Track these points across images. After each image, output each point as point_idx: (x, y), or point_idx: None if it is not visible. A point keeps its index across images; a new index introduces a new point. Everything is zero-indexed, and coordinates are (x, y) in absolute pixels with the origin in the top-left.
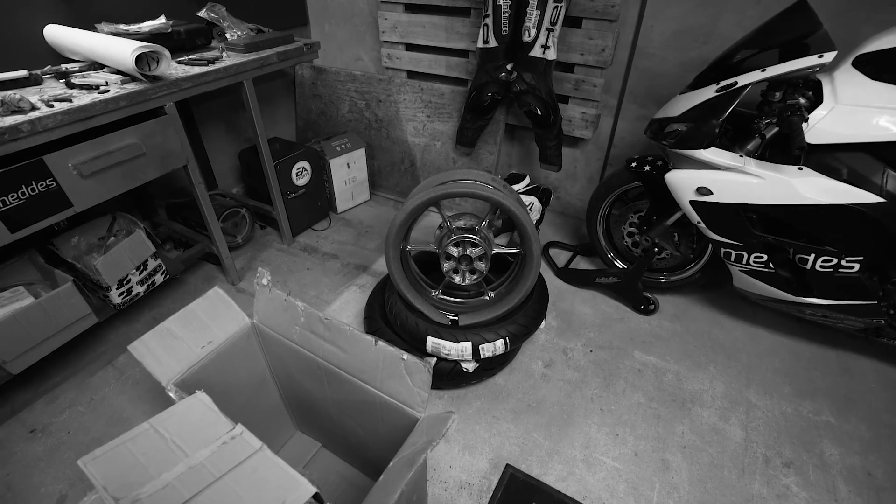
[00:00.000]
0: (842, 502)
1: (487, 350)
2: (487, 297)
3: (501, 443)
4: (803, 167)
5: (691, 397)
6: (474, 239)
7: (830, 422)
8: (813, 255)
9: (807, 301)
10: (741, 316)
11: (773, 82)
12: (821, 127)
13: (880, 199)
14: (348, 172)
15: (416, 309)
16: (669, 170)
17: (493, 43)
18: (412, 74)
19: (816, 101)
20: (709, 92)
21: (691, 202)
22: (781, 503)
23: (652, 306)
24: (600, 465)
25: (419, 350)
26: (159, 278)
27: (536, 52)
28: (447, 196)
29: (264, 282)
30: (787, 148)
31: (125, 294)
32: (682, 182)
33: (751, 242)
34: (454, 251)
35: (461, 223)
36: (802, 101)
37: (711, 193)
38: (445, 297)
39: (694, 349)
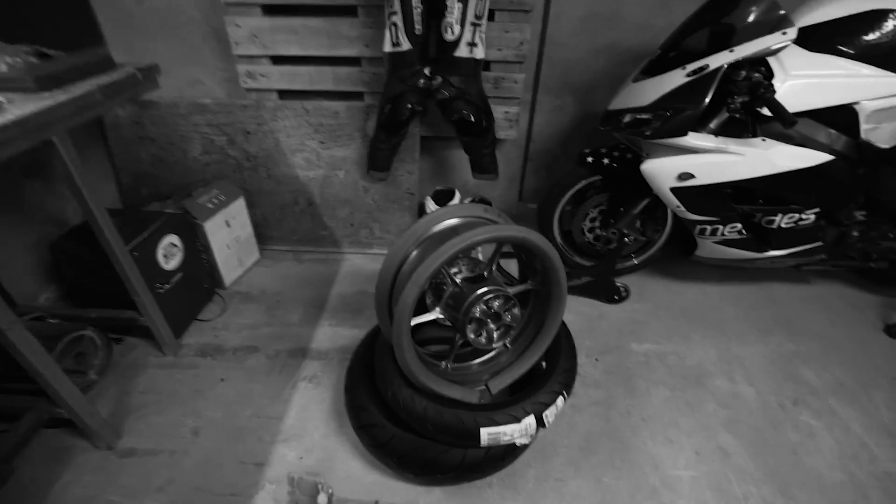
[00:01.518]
0: (841, 416)
1: (551, 414)
2: (505, 348)
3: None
4: (766, 139)
5: (699, 372)
6: (504, 291)
7: (794, 349)
8: (780, 215)
9: (768, 255)
10: (687, 278)
11: (734, 62)
12: (779, 99)
13: (831, 157)
14: (229, 233)
15: (449, 400)
16: (642, 160)
17: (405, 45)
18: (287, 94)
19: (768, 76)
20: (677, 77)
21: (672, 189)
22: (812, 441)
23: (624, 293)
24: (678, 480)
25: (461, 446)
26: None
27: (462, 51)
28: (473, 245)
29: (322, 501)
30: (746, 123)
31: None
32: (662, 171)
33: (728, 216)
34: (478, 311)
35: (465, 273)
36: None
37: (693, 177)
38: (458, 365)
39: (673, 323)
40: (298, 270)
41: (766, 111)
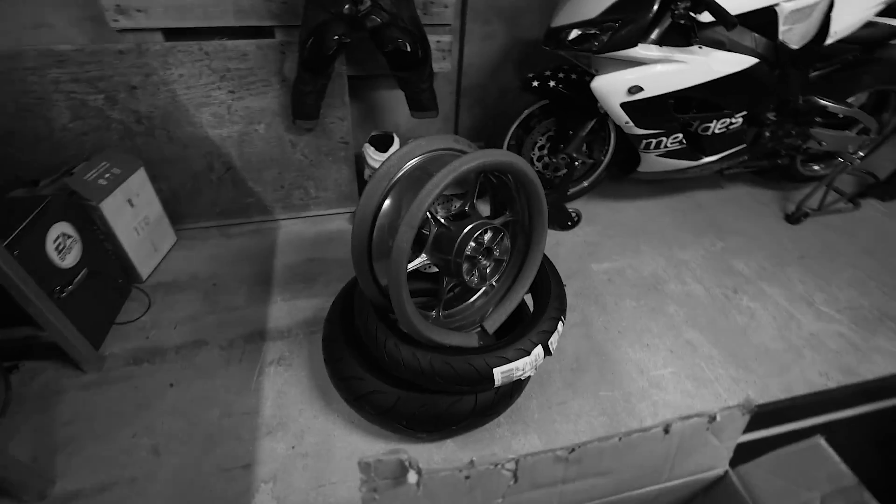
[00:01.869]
0: (770, 295)
1: (554, 341)
2: (491, 287)
3: (589, 421)
4: (702, 46)
5: (654, 280)
6: (492, 223)
7: (724, 245)
8: (715, 121)
9: (702, 162)
10: (624, 197)
11: None
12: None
13: (756, 60)
14: (134, 214)
15: (454, 349)
16: (591, 77)
17: None
18: (177, 34)
19: None
20: None
21: (622, 104)
22: (755, 321)
23: (577, 218)
24: (662, 378)
25: (473, 392)
26: None
27: None
28: (463, 175)
29: (412, 479)
30: (685, 31)
31: None
32: (613, 86)
33: (671, 126)
34: (470, 248)
35: (448, 208)
36: None
37: (643, 90)
38: (448, 312)
39: (622, 240)
40: (230, 247)
41: (706, 17)
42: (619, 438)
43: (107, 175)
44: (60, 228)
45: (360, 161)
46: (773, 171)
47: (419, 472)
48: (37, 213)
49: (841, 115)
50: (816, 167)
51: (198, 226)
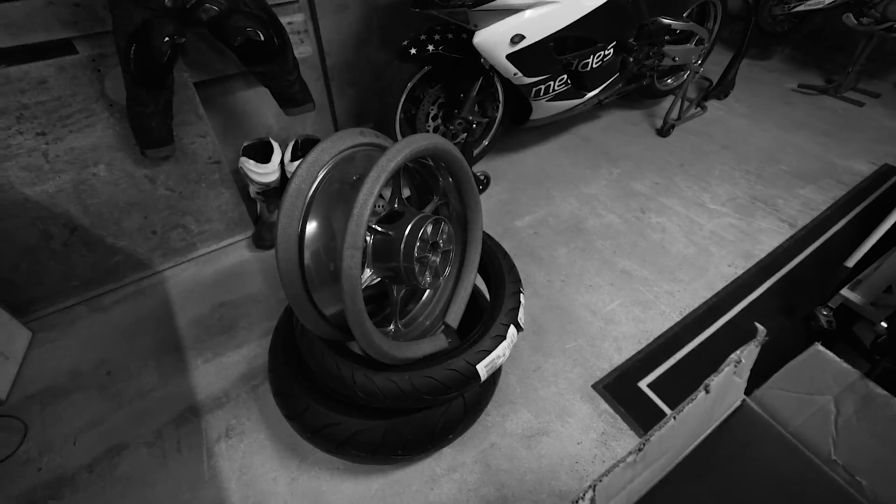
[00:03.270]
0: (669, 206)
1: (522, 315)
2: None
3: (566, 377)
4: None
5: (574, 220)
6: (429, 215)
7: (619, 171)
8: (591, 56)
9: (587, 97)
10: (519, 148)
11: None
12: None
13: None
14: None
15: (428, 359)
16: (470, 34)
17: None
18: None
19: None
20: None
21: (507, 56)
22: (667, 234)
23: (485, 180)
24: (613, 313)
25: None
26: None
27: None
28: (395, 169)
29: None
30: None
31: None
32: (496, 38)
33: (556, 69)
34: (417, 248)
35: (374, 212)
36: None
37: (524, 38)
38: (404, 321)
39: (533, 190)
40: (109, 322)
41: None
42: (674, 418)
43: None
44: None
45: (239, 178)
46: (636, 92)
47: None
48: None
49: (678, 31)
50: (669, 81)
51: (55, 308)
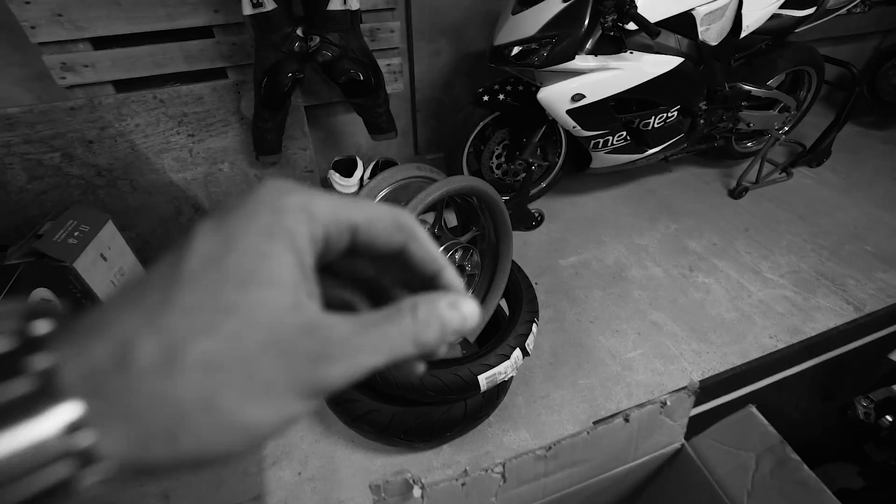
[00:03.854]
0: (721, 269)
1: (531, 342)
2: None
3: (571, 410)
4: (633, 52)
5: (618, 268)
6: (461, 242)
7: (677, 227)
8: (653, 117)
9: (647, 154)
10: (581, 191)
11: None
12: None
13: (682, 59)
14: (108, 267)
15: (443, 361)
16: (536, 89)
17: (269, 5)
18: (127, 85)
19: None
20: (554, 5)
21: (567, 111)
22: (710, 295)
23: (539, 218)
24: (632, 360)
25: (463, 399)
26: None
27: (335, 3)
28: (433, 203)
29: (417, 494)
30: (616, 40)
31: None
32: (557, 96)
33: (615, 126)
34: None
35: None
36: None
37: (584, 97)
38: None
39: (584, 233)
40: None
41: (631, 26)
42: (588, 433)
43: (76, 233)
44: (40, 295)
45: (326, 185)
46: (711, 152)
47: (422, 487)
48: (12, 283)
49: (763, 97)
50: (749, 144)
51: None
